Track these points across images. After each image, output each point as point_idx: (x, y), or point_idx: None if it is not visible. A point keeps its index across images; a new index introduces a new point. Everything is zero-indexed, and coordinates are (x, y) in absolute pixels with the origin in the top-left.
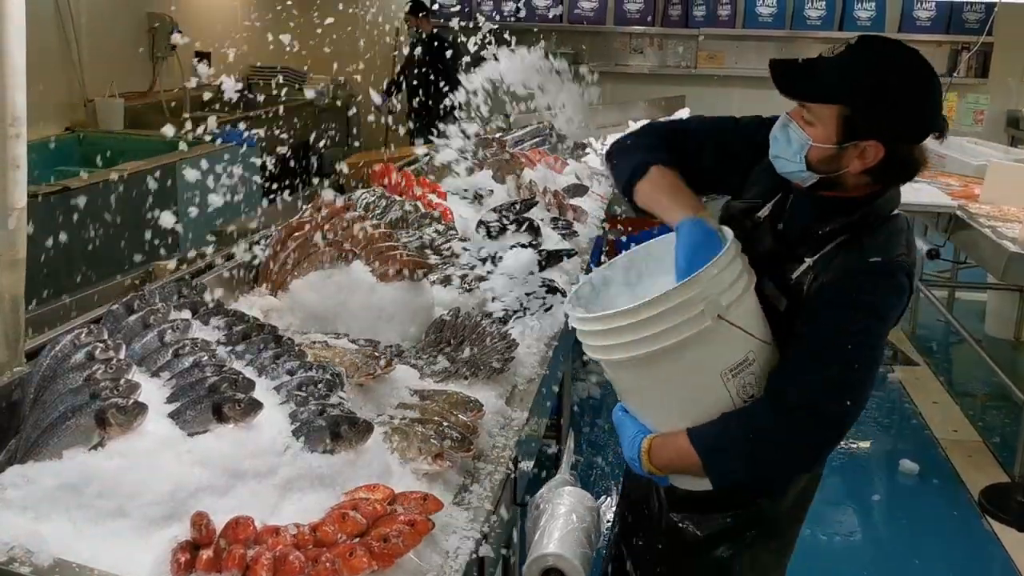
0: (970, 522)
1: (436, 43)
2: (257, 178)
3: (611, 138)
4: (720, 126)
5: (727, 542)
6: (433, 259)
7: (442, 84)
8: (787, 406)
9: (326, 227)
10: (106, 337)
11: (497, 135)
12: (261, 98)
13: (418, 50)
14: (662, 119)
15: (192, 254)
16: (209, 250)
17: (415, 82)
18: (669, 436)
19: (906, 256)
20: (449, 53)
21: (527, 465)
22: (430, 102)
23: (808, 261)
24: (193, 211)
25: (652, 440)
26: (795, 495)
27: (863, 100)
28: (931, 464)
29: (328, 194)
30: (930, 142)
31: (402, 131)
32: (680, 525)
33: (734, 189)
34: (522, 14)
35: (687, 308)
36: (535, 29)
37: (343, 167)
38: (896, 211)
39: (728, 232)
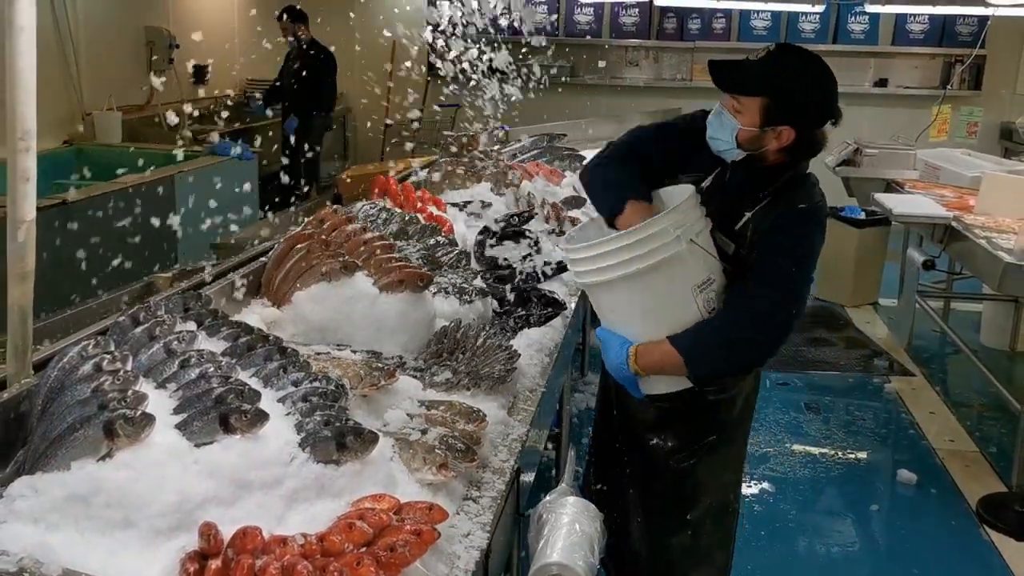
0: (968, 532)
1: (314, 52)
2: (254, 189)
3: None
4: (668, 134)
5: (689, 451)
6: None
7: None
8: (748, 316)
9: (328, 239)
10: (113, 349)
11: (495, 148)
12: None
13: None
14: (618, 139)
15: (191, 266)
16: (208, 262)
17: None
18: (652, 343)
19: (822, 202)
20: (324, 62)
21: (529, 475)
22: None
23: (747, 215)
24: (191, 223)
25: (637, 347)
26: (740, 407)
27: (780, 94)
28: (929, 474)
29: (330, 206)
30: (927, 153)
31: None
32: (652, 442)
33: (691, 168)
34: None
35: (667, 233)
36: (531, 42)
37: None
38: (809, 172)
39: (690, 186)
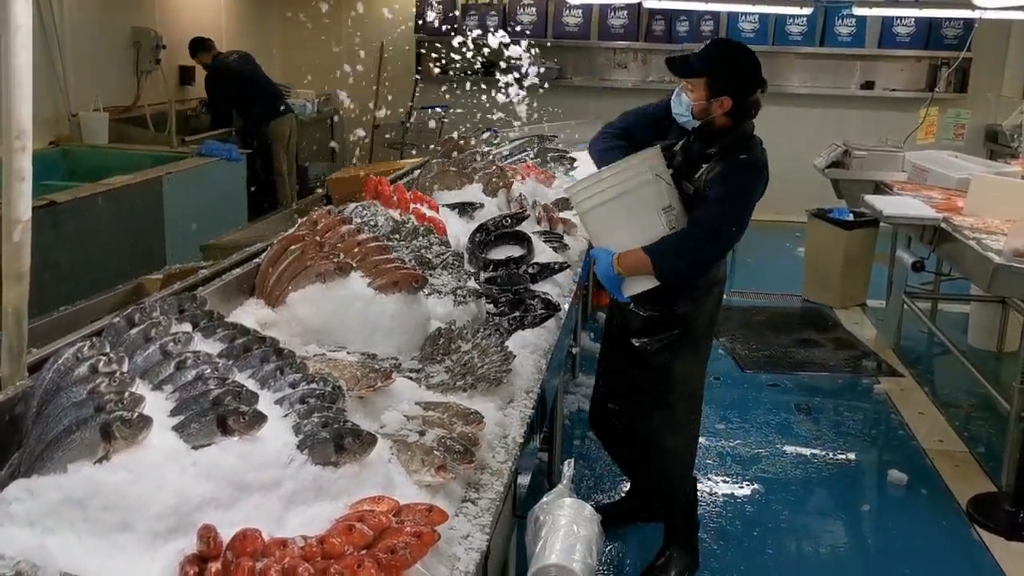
0: (959, 531)
1: (218, 74)
2: (242, 191)
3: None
4: (645, 115)
5: (665, 351)
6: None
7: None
8: (698, 231)
9: (322, 240)
10: (108, 350)
11: (486, 149)
12: None
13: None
14: (613, 121)
15: (180, 267)
16: (197, 263)
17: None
18: (629, 251)
19: (761, 156)
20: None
21: (526, 477)
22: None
23: (704, 167)
24: (179, 225)
25: (619, 254)
26: (706, 320)
27: (717, 73)
28: (919, 474)
29: (323, 207)
30: (915, 155)
31: None
32: (636, 345)
33: (667, 137)
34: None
35: (639, 167)
36: (520, 44)
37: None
38: (753, 134)
39: (657, 145)
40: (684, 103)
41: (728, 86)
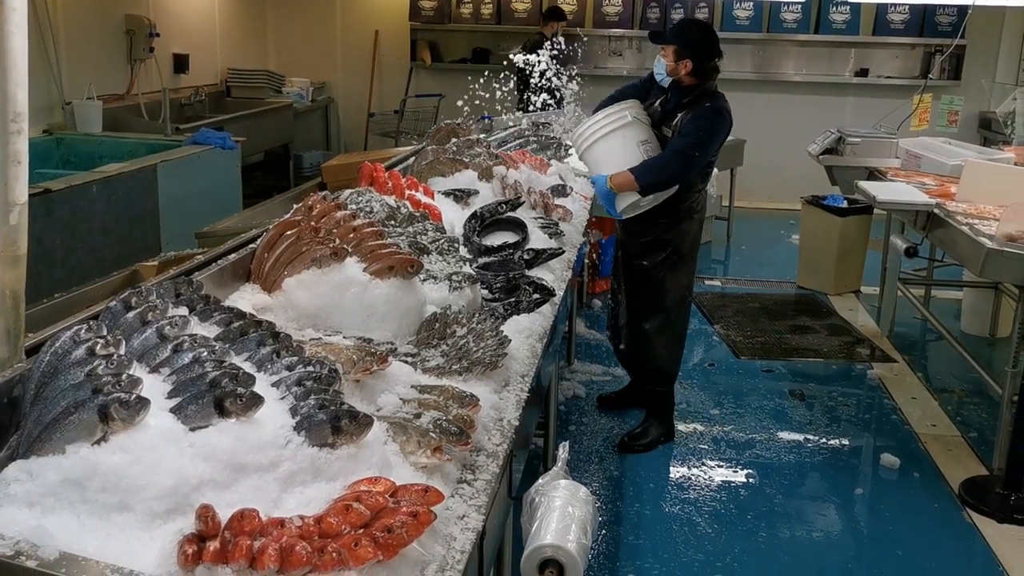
0: (951, 514)
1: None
2: (236, 179)
3: None
4: (637, 83)
5: (660, 267)
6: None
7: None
8: (669, 153)
9: (317, 225)
10: (105, 333)
11: (481, 136)
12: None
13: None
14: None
15: (173, 255)
16: (193, 250)
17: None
18: (619, 172)
19: (724, 104)
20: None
21: (521, 460)
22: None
23: (679, 115)
24: (174, 212)
25: (611, 176)
26: (689, 241)
27: (681, 41)
28: (911, 458)
29: (319, 193)
30: (908, 142)
31: None
32: (635, 262)
33: (651, 97)
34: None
35: (619, 112)
36: (514, 32)
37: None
38: (716, 90)
39: (635, 101)
40: (661, 65)
41: (689, 52)
